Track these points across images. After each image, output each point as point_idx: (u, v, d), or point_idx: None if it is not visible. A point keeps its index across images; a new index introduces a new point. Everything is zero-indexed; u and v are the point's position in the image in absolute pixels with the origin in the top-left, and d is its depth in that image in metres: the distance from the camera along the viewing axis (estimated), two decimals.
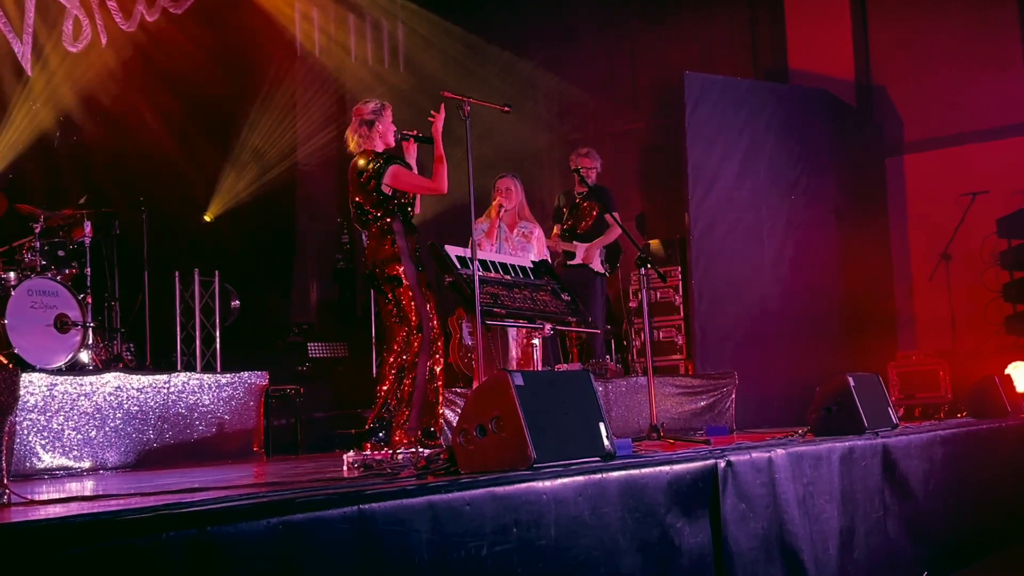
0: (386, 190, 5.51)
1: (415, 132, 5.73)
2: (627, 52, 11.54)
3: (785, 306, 9.26)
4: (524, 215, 7.36)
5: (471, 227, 5.46)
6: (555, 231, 8.52)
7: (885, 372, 9.09)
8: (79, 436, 5.80)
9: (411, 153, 5.84)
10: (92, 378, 5.98)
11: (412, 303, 5.47)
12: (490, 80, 10.83)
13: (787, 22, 10.84)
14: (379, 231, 5.55)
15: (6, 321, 6.26)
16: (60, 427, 5.71)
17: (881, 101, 10.56)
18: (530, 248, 7.14)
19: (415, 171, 5.78)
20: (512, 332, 6.56)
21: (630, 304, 9.49)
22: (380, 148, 5.68)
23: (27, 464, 5.50)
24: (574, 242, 8.38)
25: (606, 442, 3.92)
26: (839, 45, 10.56)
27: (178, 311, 8.77)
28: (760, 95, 9.63)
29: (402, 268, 5.47)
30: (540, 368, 6.33)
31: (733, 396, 7.89)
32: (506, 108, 5.71)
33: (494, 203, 7.28)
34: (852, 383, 5.49)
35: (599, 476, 3.58)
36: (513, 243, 7.11)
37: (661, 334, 9.49)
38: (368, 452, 4.95)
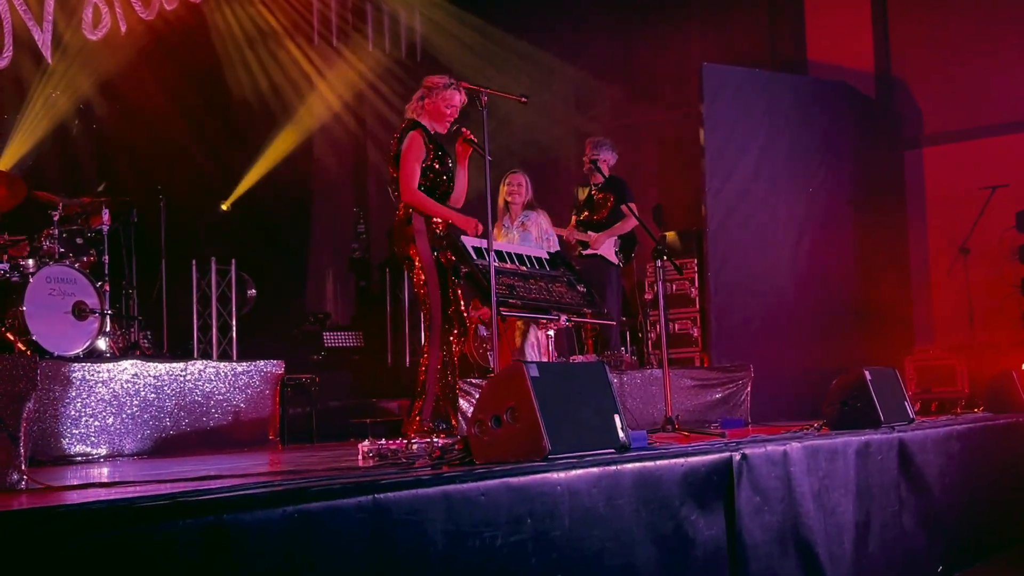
0: (403, 158, 5.41)
1: (475, 139, 5.52)
2: (646, 43, 11.51)
3: (801, 299, 9.23)
4: (528, 204, 7.35)
5: (488, 216, 5.43)
6: (571, 221, 8.50)
7: (902, 366, 9.06)
8: (96, 423, 5.83)
9: (462, 155, 5.63)
10: (109, 365, 6.01)
11: (424, 287, 5.42)
12: (507, 71, 10.81)
13: (806, 13, 10.80)
14: (402, 206, 5.47)
15: (24, 308, 6.29)
16: (77, 414, 5.74)
17: (900, 93, 10.50)
18: (527, 236, 7.12)
19: (462, 173, 5.59)
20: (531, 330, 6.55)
21: (646, 296, 9.48)
22: (425, 122, 5.55)
23: (45, 450, 5.52)
24: (588, 232, 8.36)
25: (621, 434, 3.92)
26: (859, 36, 10.51)
27: (195, 299, 8.82)
28: (778, 87, 9.59)
29: (415, 249, 5.40)
30: (553, 359, 6.32)
31: (748, 389, 7.87)
32: (523, 99, 5.68)
33: (500, 199, 7.31)
34: (869, 377, 5.47)
35: (614, 468, 3.58)
36: (512, 236, 7.12)
37: (677, 326, 9.48)
38: (383, 441, 4.95)
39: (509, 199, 7.31)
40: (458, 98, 5.56)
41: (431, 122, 5.57)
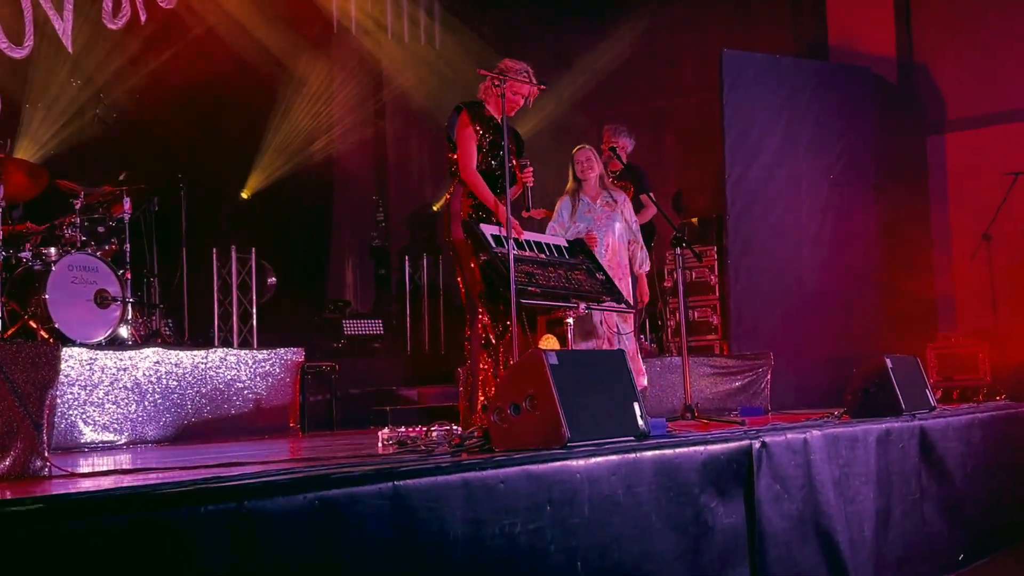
0: (455, 138, 5.45)
1: (530, 184, 5.60)
2: (666, 28, 11.45)
3: (822, 286, 9.18)
4: (607, 184, 7.17)
5: (507, 200, 5.40)
6: None
7: (924, 353, 9.00)
8: (118, 410, 5.87)
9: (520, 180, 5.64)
10: (131, 353, 6.05)
11: (462, 274, 5.48)
12: (526, 57, 10.77)
13: None
14: (453, 187, 5.51)
15: (47, 296, 6.34)
16: (100, 401, 5.79)
17: (923, 79, 10.41)
18: (616, 217, 6.92)
19: (520, 183, 5.58)
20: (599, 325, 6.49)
21: (665, 284, 9.45)
22: (490, 104, 5.58)
23: (68, 437, 5.58)
24: None
25: (640, 422, 3.92)
26: (881, 21, 10.41)
27: (215, 287, 8.86)
28: (800, 73, 9.52)
29: (455, 236, 5.43)
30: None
31: (768, 376, 7.85)
32: (542, 87, 5.67)
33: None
34: (890, 365, 5.44)
35: (633, 455, 3.58)
36: (598, 213, 6.90)
37: (696, 314, 9.45)
38: (403, 429, 4.97)
39: (581, 176, 7.13)
40: (527, 88, 5.54)
41: (492, 104, 5.57)
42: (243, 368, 6.62)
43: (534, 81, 5.59)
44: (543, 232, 6.34)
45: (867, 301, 9.47)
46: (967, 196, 10.09)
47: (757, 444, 4.11)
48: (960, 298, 10.13)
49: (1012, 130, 9.83)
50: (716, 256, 9.47)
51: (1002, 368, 8.50)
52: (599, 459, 3.45)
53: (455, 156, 5.50)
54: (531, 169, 5.60)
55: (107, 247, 7.03)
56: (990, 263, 9.59)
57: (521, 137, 5.87)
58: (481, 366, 5.38)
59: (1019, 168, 9.45)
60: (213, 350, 6.57)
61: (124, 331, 6.84)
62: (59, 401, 5.50)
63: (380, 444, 4.61)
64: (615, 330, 6.38)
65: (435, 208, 11.75)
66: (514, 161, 5.59)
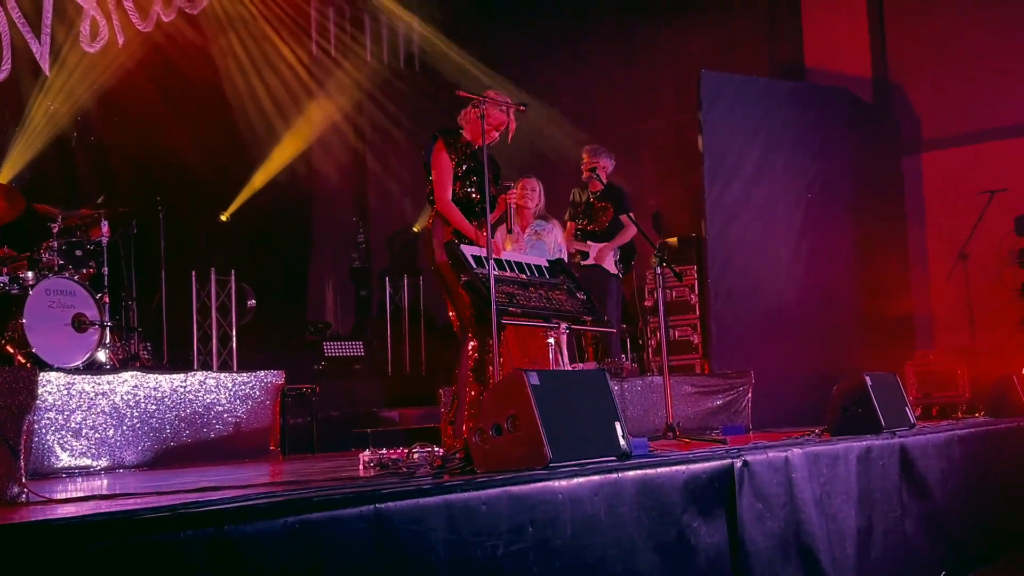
0: (431, 166, 5.50)
1: (512, 206, 5.67)
2: (645, 49, 11.53)
3: (802, 304, 9.23)
4: (541, 214, 7.29)
5: (488, 222, 5.42)
6: (568, 229, 8.48)
7: (903, 371, 9.05)
8: (97, 435, 5.82)
9: (500, 203, 5.69)
10: (109, 377, 6.00)
11: (451, 299, 5.48)
12: (506, 80, 10.83)
13: (804, 20, 10.82)
14: (433, 214, 5.54)
15: (24, 320, 6.29)
16: (78, 426, 5.73)
17: (898, 98, 10.51)
18: (541, 246, 7.04)
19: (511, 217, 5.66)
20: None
21: (645, 303, 9.48)
22: (467, 131, 5.61)
23: (45, 463, 5.51)
24: (588, 242, 8.34)
25: (622, 441, 3.91)
26: (856, 42, 10.53)
27: (195, 310, 8.82)
28: (776, 93, 9.61)
29: (439, 260, 5.45)
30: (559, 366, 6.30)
31: (749, 395, 7.86)
32: (522, 107, 5.69)
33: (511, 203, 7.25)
34: (869, 382, 5.47)
35: (615, 476, 3.58)
36: (522, 243, 7.01)
37: (677, 333, 9.48)
38: (384, 451, 4.94)
39: (520, 203, 7.20)
40: (501, 117, 5.57)
41: (469, 131, 5.61)
42: (223, 391, 6.57)
43: (512, 115, 5.62)
44: None
45: (846, 319, 9.53)
46: (943, 215, 10.19)
47: (739, 463, 4.11)
48: (938, 315, 10.21)
49: (986, 149, 9.94)
50: (696, 275, 9.52)
51: (980, 384, 8.56)
52: (581, 479, 3.44)
53: (431, 185, 5.55)
54: (515, 191, 5.64)
55: (85, 271, 6.99)
56: (967, 281, 9.68)
57: (498, 163, 5.90)
58: (469, 390, 5.37)
59: (994, 187, 9.55)
60: (192, 373, 6.52)
61: (102, 355, 6.79)
62: (36, 426, 5.45)
63: (361, 466, 4.58)
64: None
65: (416, 229, 11.75)
66: (492, 189, 5.62)
